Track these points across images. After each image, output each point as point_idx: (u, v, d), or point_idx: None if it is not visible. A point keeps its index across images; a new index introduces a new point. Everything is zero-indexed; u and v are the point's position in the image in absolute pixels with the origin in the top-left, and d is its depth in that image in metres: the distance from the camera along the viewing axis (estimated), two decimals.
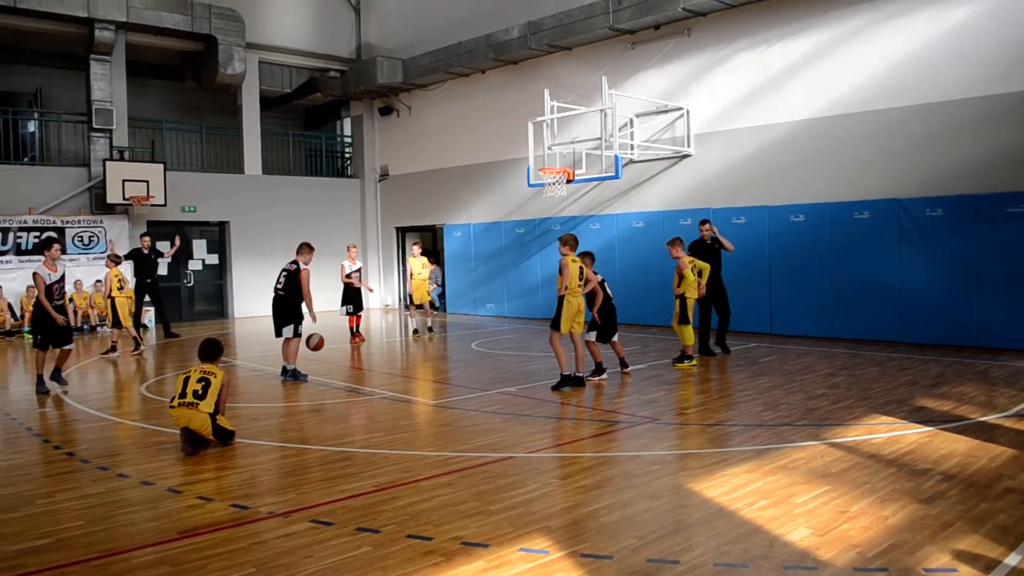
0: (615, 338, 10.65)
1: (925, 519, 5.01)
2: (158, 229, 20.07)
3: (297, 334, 11.06)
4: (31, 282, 17.86)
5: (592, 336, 10.41)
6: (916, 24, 13.19)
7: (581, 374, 10.01)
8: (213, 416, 7.08)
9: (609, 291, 10.54)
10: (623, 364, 10.80)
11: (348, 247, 16.21)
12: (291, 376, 11.05)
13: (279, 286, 11.11)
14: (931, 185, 12.98)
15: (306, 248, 11.36)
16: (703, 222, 12.72)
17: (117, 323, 14.11)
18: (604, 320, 10.45)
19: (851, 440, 7.04)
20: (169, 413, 7.29)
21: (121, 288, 14.06)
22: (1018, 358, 11.38)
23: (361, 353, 14.20)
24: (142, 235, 17.51)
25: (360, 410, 9.27)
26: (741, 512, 5.22)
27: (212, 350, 7.61)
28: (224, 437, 7.21)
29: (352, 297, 15.47)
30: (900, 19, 13.35)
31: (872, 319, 13.52)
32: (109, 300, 14.12)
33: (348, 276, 15.44)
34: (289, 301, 11.07)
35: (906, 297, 13.13)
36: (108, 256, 15.03)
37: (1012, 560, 4.35)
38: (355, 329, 15.69)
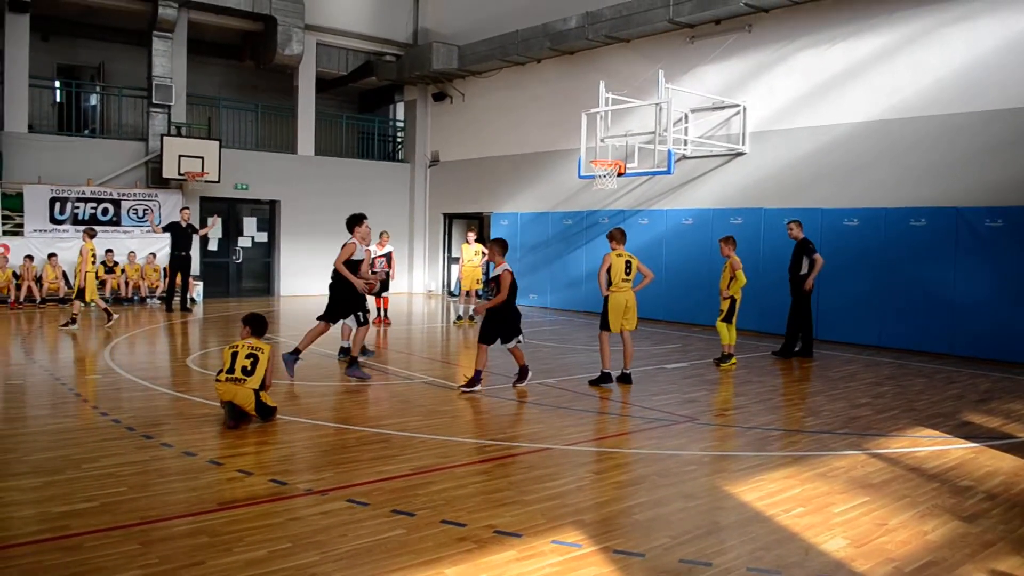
0: (514, 343, 9.36)
1: (966, 537, 4.91)
2: (211, 205, 20.45)
3: (363, 323, 9.85)
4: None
5: (513, 343, 9.31)
6: (982, 30, 12.84)
7: (628, 371, 9.93)
8: (257, 392, 7.20)
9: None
10: (522, 374, 9.60)
11: (380, 233, 15.58)
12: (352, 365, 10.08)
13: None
14: (992, 195, 12.64)
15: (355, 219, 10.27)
16: (793, 221, 12.59)
17: (81, 296, 13.87)
18: (508, 321, 9.22)
19: (893, 452, 6.92)
20: (215, 386, 7.41)
21: (94, 262, 13.91)
22: None
23: (387, 336, 14.26)
24: (182, 209, 17.92)
25: (399, 394, 9.34)
26: (777, 518, 5.17)
27: (261, 324, 7.72)
28: (266, 413, 7.32)
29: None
30: (966, 23, 13.00)
31: (922, 329, 13.22)
32: (82, 274, 13.76)
33: (372, 261, 15.14)
34: (343, 285, 9.89)
35: (958, 308, 12.82)
36: (84, 230, 14.37)
37: None
38: (384, 313, 15.75)
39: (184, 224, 17.14)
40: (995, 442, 7.31)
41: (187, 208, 17.94)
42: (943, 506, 5.47)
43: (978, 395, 9.65)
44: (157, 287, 19.17)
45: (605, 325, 9.72)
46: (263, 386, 7.27)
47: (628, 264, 9.73)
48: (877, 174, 14.06)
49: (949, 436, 7.53)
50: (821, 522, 5.11)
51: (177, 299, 17.55)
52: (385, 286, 15.58)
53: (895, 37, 13.89)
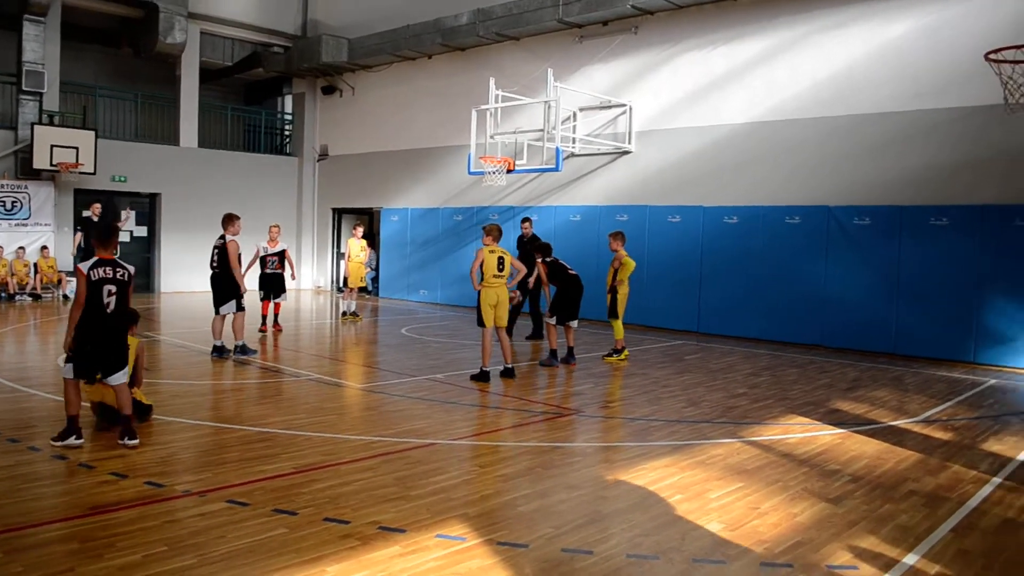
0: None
1: (832, 518, 5.18)
2: (86, 198, 19.46)
3: (241, 308, 10.90)
4: None
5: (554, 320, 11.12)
6: (855, 37, 13.53)
7: (511, 365, 10.02)
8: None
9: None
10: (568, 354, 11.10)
11: (269, 227, 14.48)
12: (240, 352, 10.97)
13: (214, 263, 10.92)
14: (861, 194, 13.34)
15: (229, 219, 10.82)
16: (525, 219, 14.00)
17: None
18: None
19: (767, 439, 7.23)
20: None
21: None
22: (931, 366, 11.81)
23: (277, 338, 13.76)
24: (92, 203, 17.18)
25: (285, 391, 9.16)
26: (656, 505, 5.33)
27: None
28: (140, 412, 7.05)
29: (271, 282, 13.86)
30: (840, 31, 13.68)
31: (796, 323, 13.85)
32: None
33: (263, 260, 13.85)
34: (224, 277, 10.81)
35: (829, 303, 13.48)
36: None
37: (910, 560, 4.54)
38: (275, 318, 14.11)
39: (96, 219, 16.39)
40: (861, 428, 7.73)
41: (98, 203, 17.13)
42: (812, 489, 5.76)
43: (846, 384, 10.18)
44: (27, 283, 18.16)
45: (481, 321, 9.82)
46: (134, 382, 6.99)
47: (500, 260, 9.74)
48: (756, 174, 14.62)
49: (819, 423, 7.92)
50: (698, 508, 5.29)
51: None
52: (280, 288, 13.92)
53: (774, 42, 14.47)
